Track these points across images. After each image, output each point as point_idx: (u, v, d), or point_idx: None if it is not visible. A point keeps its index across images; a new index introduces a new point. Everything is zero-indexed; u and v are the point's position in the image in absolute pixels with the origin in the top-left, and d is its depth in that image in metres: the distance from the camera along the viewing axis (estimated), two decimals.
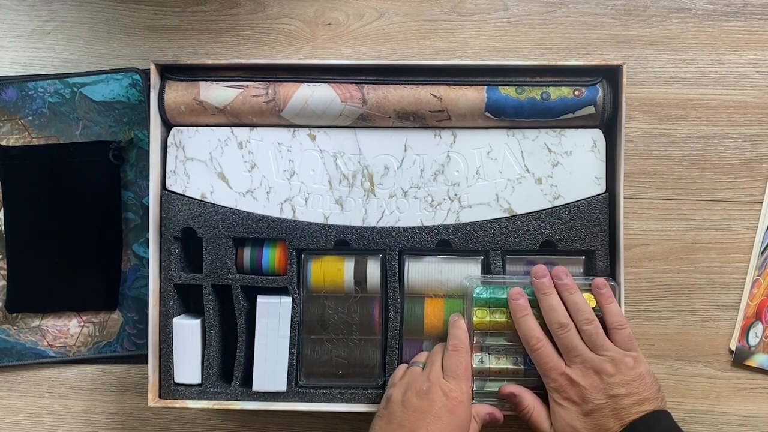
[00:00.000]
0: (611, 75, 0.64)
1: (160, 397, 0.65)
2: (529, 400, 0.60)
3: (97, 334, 0.71)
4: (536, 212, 0.65)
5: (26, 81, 0.70)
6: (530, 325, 0.60)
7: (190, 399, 0.65)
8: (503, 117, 0.64)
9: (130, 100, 0.69)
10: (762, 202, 0.69)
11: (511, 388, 0.61)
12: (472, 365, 0.61)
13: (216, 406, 0.64)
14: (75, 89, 0.70)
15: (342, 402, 0.65)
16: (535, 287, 0.61)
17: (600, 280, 0.61)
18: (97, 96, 0.70)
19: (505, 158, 0.65)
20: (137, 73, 0.70)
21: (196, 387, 0.65)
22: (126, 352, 0.71)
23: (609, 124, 0.65)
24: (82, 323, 0.71)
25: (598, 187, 0.65)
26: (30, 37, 0.72)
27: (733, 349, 0.68)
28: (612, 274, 0.64)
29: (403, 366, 0.63)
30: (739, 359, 0.68)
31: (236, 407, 0.64)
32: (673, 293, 0.69)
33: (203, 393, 0.65)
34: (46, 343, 0.71)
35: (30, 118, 0.70)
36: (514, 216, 0.65)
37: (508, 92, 0.64)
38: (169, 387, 0.65)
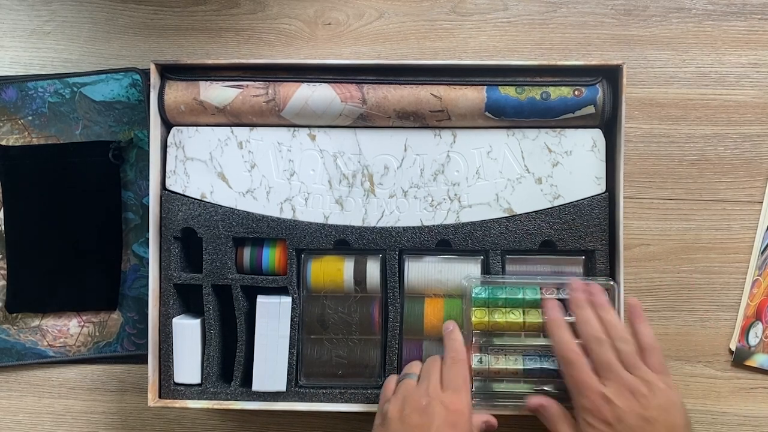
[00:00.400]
0: (611, 75, 0.64)
1: (159, 397, 0.65)
2: (557, 411, 0.58)
3: (97, 333, 0.71)
4: (536, 212, 0.65)
5: (26, 81, 0.70)
6: (566, 338, 0.58)
7: (189, 399, 0.65)
8: (503, 117, 0.64)
9: (130, 100, 0.69)
10: (762, 202, 0.69)
11: (539, 399, 0.59)
12: (470, 366, 0.61)
13: (216, 406, 0.64)
14: (75, 89, 0.70)
15: (342, 402, 0.65)
16: (570, 300, 0.60)
17: (633, 300, 0.60)
18: (97, 96, 0.70)
19: (505, 158, 0.65)
20: (137, 72, 0.70)
21: (196, 387, 0.65)
22: (126, 352, 0.71)
23: (609, 123, 0.65)
24: (82, 323, 0.71)
25: (598, 187, 0.65)
26: (30, 37, 0.72)
27: (733, 349, 0.68)
28: (612, 274, 0.64)
29: (394, 377, 0.62)
30: (739, 359, 0.68)
31: (236, 407, 0.64)
32: (673, 293, 0.69)
33: (203, 393, 0.65)
34: (46, 343, 0.71)
35: (30, 118, 0.70)
36: (514, 216, 0.65)
37: (508, 92, 0.64)
38: (168, 387, 0.65)
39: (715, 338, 0.69)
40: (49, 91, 0.70)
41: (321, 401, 0.65)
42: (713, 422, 0.69)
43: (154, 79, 0.64)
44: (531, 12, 0.70)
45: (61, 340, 0.71)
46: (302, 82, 0.64)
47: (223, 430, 0.72)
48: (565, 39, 0.70)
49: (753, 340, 0.67)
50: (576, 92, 0.63)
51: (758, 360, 0.67)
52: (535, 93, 0.64)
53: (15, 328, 0.71)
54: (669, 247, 0.69)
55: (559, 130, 0.65)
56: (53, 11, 0.72)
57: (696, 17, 0.70)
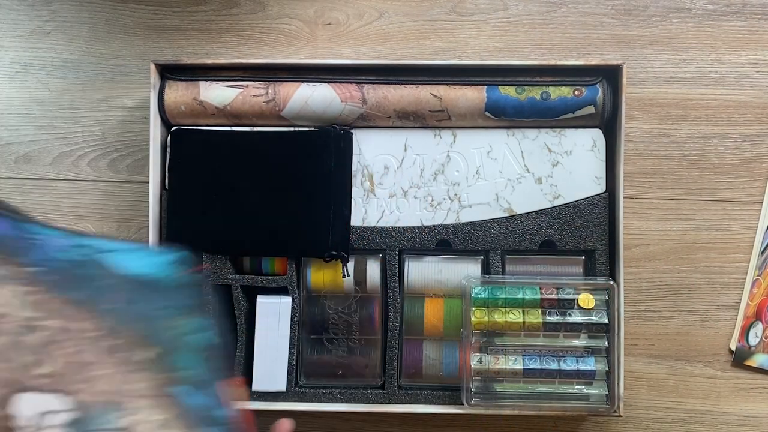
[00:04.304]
0: (611, 75, 0.64)
1: None
2: None
3: None
4: (536, 212, 0.65)
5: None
6: None
7: None
8: (503, 117, 0.64)
9: (166, 282, 0.49)
10: (762, 202, 0.69)
11: None
12: (470, 365, 0.61)
13: None
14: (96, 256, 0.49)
15: (342, 402, 0.65)
16: None
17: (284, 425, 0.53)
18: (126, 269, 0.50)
19: (505, 158, 0.65)
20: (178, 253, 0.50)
21: None
22: None
23: (609, 123, 0.65)
24: None
25: (598, 187, 0.65)
26: (30, 37, 0.72)
27: (733, 349, 0.68)
28: (612, 274, 0.64)
29: None
30: (739, 359, 0.68)
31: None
32: (673, 293, 0.69)
33: None
34: None
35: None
36: (514, 216, 0.65)
37: (508, 92, 0.64)
38: None
39: (715, 338, 0.69)
40: (64, 245, 0.47)
41: (321, 401, 0.65)
42: (713, 422, 0.69)
43: (154, 79, 0.64)
44: (531, 12, 0.70)
45: None
46: (302, 82, 0.64)
47: None
48: (565, 39, 0.70)
49: (753, 340, 0.67)
50: (576, 92, 0.63)
51: (758, 360, 0.67)
52: (535, 93, 0.64)
53: None
54: (669, 247, 0.69)
55: (559, 130, 0.65)
56: (53, 11, 0.72)
57: (696, 17, 0.70)
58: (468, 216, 0.65)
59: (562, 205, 0.64)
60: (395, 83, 0.64)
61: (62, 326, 0.41)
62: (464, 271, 0.64)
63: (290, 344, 0.64)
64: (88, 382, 0.40)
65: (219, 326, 0.46)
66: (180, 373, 0.43)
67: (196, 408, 0.42)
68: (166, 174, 0.65)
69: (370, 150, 0.65)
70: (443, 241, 0.65)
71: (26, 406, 0.37)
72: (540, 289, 0.63)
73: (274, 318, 0.64)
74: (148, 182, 0.65)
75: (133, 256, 0.45)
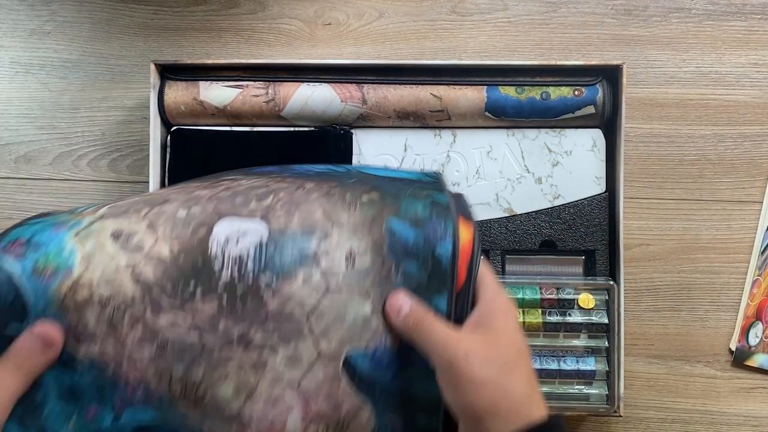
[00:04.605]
0: (611, 75, 0.64)
1: None
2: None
3: None
4: (536, 212, 0.65)
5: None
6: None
7: None
8: (503, 117, 0.64)
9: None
10: (762, 202, 0.69)
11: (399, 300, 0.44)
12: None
13: None
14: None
15: None
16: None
17: None
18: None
19: (505, 158, 0.65)
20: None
21: None
22: None
23: (609, 123, 0.65)
24: None
25: (598, 187, 0.65)
26: (30, 37, 0.72)
27: (734, 349, 0.68)
28: (612, 274, 0.64)
29: None
30: (740, 359, 0.68)
31: None
32: (673, 293, 0.69)
33: None
34: None
35: None
36: (514, 216, 0.65)
37: (508, 92, 0.64)
38: None
39: (715, 338, 0.69)
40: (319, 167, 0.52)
41: None
42: (713, 422, 0.69)
43: (154, 78, 0.64)
44: (531, 12, 0.70)
45: None
46: (302, 82, 0.64)
47: None
48: (565, 39, 0.70)
49: (753, 340, 0.67)
50: (576, 92, 0.63)
51: (758, 360, 0.67)
52: (535, 93, 0.64)
53: None
54: (669, 247, 0.69)
55: (559, 130, 0.65)
56: (53, 11, 0.72)
57: (696, 17, 0.70)
58: None
59: (562, 205, 0.64)
60: (395, 83, 0.64)
61: (290, 187, 0.44)
62: None
63: None
64: (292, 211, 0.42)
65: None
66: (401, 209, 0.43)
67: (403, 241, 0.42)
68: (166, 174, 0.65)
69: (370, 150, 0.65)
70: None
71: (226, 228, 0.41)
72: (540, 289, 0.63)
73: None
74: (148, 182, 0.65)
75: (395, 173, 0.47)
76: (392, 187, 0.45)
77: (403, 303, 0.41)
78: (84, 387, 0.39)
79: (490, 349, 0.40)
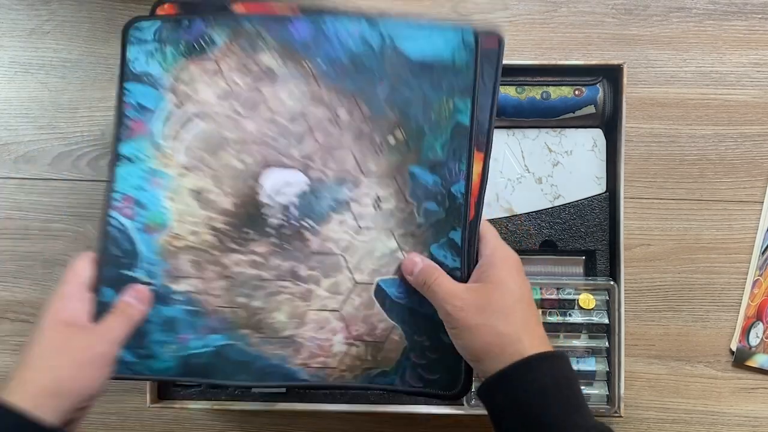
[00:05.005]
0: (611, 74, 0.64)
1: (159, 397, 0.65)
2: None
3: (369, 357, 0.54)
4: (536, 212, 0.65)
5: (324, 15, 0.53)
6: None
7: (189, 399, 0.65)
8: (503, 116, 0.64)
9: (456, 63, 0.53)
10: (763, 202, 0.69)
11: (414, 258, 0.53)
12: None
13: (215, 407, 0.64)
14: (387, 40, 0.53)
15: (342, 402, 0.65)
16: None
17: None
18: (414, 53, 0.53)
19: (506, 158, 0.65)
20: (471, 31, 0.53)
21: (196, 387, 0.65)
22: (407, 387, 0.54)
23: (609, 123, 0.65)
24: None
25: (599, 187, 0.64)
26: (29, 37, 0.72)
27: (734, 349, 0.68)
28: (612, 274, 0.64)
29: None
30: (740, 359, 0.68)
31: (236, 408, 0.64)
32: (674, 293, 0.69)
33: (203, 393, 0.65)
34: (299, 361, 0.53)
35: (320, 62, 0.53)
36: (514, 216, 0.64)
37: (508, 92, 0.63)
38: (168, 387, 0.65)
39: (715, 338, 0.69)
40: (354, 35, 0.53)
41: (321, 401, 0.65)
42: (713, 422, 0.68)
43: None
44: (531, 12, 0.70)
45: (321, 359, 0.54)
46: None
47: (222, 431, 0.72)
48: (565, 39, 0.70)
49: (754, 340, 0.67)
50: (576, 92, 0.63)
51: (759, 360, 0.67)
52: (536, 93, 0.64)
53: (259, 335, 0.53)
54: (669, 247, 0.69)
55: (559, 129, 0.65)
56: (52, 11, 0.72)
57: (697, 17, 0.70)
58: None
59: (562, 205, 0.64)
60: None
61: (324, 115, 0.52)
62: None
63: None
64: (327, 162, 0.52)
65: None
66: (421, 155, 0.52)
67: (423, 185, 0.52)
68: None
69: None
70: None
71: (272, 178, 0.52)
72: (540, 289, 0.63)
73: None
74: None
75: (427, 40, 0.53)
76: (419, 110, 0.52)
77: (416, 263, 0.50)
78: (178, 318, 0.51)
79: (484, 298, 0.47)
